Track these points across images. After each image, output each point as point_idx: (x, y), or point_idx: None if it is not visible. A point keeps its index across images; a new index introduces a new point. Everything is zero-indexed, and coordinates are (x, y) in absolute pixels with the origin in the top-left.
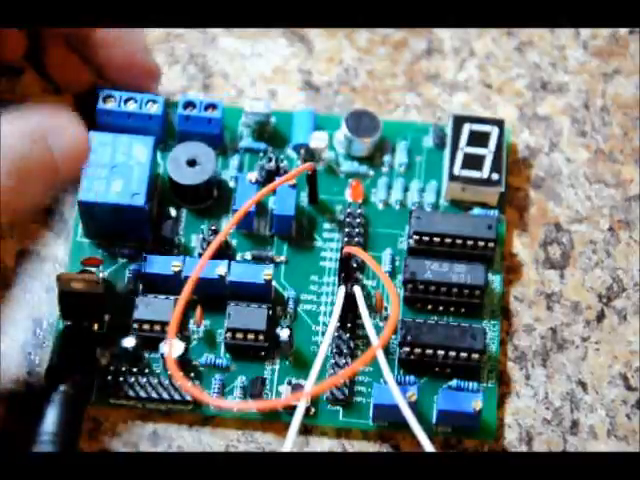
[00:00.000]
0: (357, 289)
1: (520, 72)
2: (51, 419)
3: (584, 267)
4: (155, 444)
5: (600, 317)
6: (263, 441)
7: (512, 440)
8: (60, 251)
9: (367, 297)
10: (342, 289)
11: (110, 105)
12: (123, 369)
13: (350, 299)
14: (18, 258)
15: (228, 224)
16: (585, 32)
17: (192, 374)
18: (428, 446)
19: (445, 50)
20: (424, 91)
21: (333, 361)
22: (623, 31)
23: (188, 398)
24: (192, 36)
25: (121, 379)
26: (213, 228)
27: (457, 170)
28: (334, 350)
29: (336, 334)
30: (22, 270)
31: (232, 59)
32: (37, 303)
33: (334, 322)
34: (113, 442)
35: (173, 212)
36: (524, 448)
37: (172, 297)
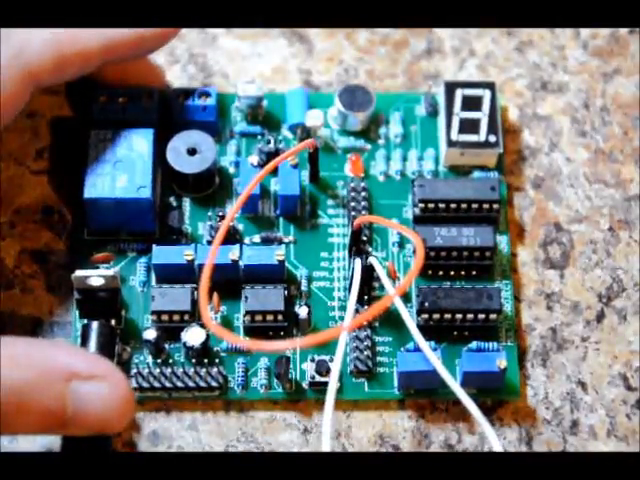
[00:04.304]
0: (373, 260)
1: (520, 72)
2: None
3: (584, 267)
4: (155, 444)
5: (600, 317)
6: (263, 441)
7: (512, 440)
8: (60, 251)
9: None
10: (358, 261)
11: (104, 101)
12: (146, 361)
13: (365, 271)
14: (18, 258)
15: (233, 208)
16: (585, 32)
17: (216, 360)
18: (468, 402)
19: (445, 50)
20: (424, 91)
21: (354, 334)
22: (623, 31)
23: (214, 384)
24: (192, 36)
25: (145, 372)
26: (220, 214)
27: (455, 135)
28: None
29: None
30: (22, 270)
31: (232, 59)
32: (37, 303)
33: (354, 294)
34: (113, 442)
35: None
36: (524, 448)
37: (187, 286)
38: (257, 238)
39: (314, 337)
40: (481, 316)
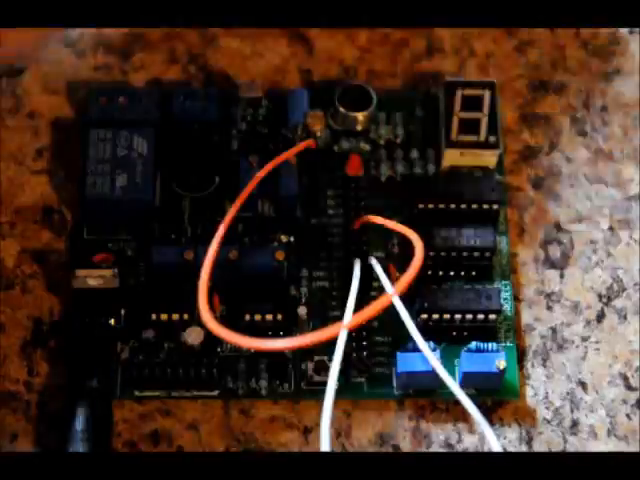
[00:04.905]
0: (373, 260)
1: (520, 72)
2: (81, 418)
3: (584, 267)
4: (155, 444)
5: (600, 317)
6: (263, 441)
7: (512, 440)
8: (60, 251)
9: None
10: (358, 261)
11: (104, 100)
12: (146, 361)
13: (364, 272)
14: (18, 258)
15: (233, 207)
16: (585, 32)
17: (216, 360)
18: (467, 402)
19: (445, 50)
20: (424, 91)
21: (353, 334)
22: (623, 31)
23: (214, 384)
24: (192, 36)
25: (145, 371)
26: (220, 214)
27: (454, 136)
28: None
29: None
30: (22, 270)
31: (232, 59)
32: (37, 303)
33: (354, 294)
34: (113, 442)
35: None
36: (524, 448)
37: (187, 286)
38: (256, 238)
39: (314, 336)
40: (480, 316)
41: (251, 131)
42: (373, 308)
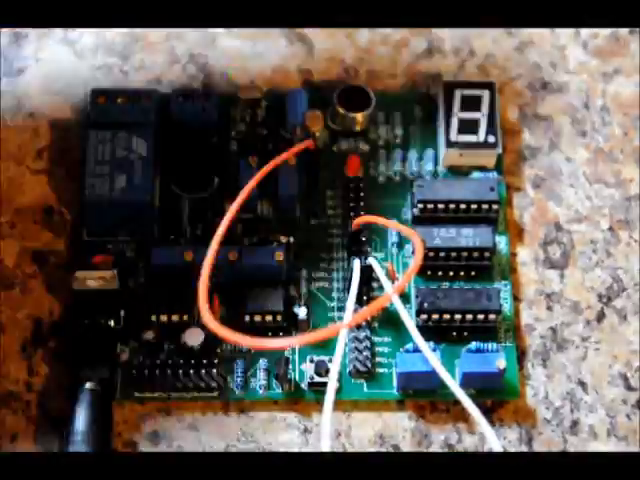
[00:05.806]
0: (372, 260)
1: (520, 72)
2: (81, 418)
3: (584, 267)
4: (155, 444)
5: (600, 317)
6: (263, 441)
7: (512, 440)
8: (60, 251)
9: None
10: (357, 262)
11: (103, 102)
12: (145, 362)
13: (363, 272)
14: (18, 258)
15: (233, 208)
16: (585, 32)
17: (216, 361)
18: (467, 402)
19: (445, 50)
20: (424, 91)
21: (353, 334)
22: (623, 31)
23: (213, 385)
24: (192, 36)
25: (145, 372)
26: (220, 215)
27: (454, 136)
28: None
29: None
30: (22, 270)
31: (232, 59)
32: (37, 303)
33: (353, 294)
34: (113, 442)
35: None
36: (524, 448)
37: (186, 287)
38: (256, 239)
39: (314, 335)
40: (480, 316)
41: (250, 132)
42: (373, 308)
